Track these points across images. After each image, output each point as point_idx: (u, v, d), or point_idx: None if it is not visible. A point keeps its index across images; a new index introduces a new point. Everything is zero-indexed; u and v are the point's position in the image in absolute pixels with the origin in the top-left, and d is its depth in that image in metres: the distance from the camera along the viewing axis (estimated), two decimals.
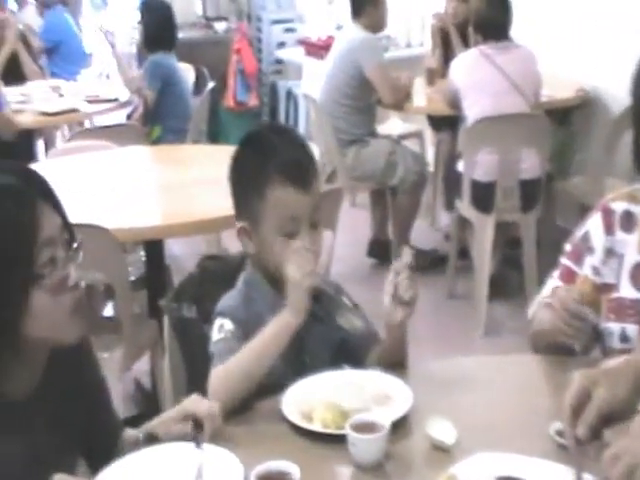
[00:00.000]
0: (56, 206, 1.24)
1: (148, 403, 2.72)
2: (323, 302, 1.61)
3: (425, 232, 4.49)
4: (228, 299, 1.58)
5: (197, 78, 4.98)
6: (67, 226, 1.25)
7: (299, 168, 1.54)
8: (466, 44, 4.29)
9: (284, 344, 1.46)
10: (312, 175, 1.56)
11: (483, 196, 3.55)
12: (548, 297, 1.70)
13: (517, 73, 3.58)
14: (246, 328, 1.52)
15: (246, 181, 1.56)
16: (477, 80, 3.62)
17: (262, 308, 1.56)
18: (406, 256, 1.49)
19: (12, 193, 1.18)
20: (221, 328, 1.52)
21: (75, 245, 1.24)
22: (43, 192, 1.23)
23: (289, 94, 6.55)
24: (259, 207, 1.53)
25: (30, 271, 1.17)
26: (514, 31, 3.73)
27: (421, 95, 4.29)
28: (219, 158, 3.23)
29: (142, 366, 2.77)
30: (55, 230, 1.21)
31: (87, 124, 4.85)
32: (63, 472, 1.35)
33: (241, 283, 1.61)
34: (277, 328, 1.46)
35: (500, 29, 3.66)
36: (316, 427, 1.38)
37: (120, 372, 2.43)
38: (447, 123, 4.35)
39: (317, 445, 1.36)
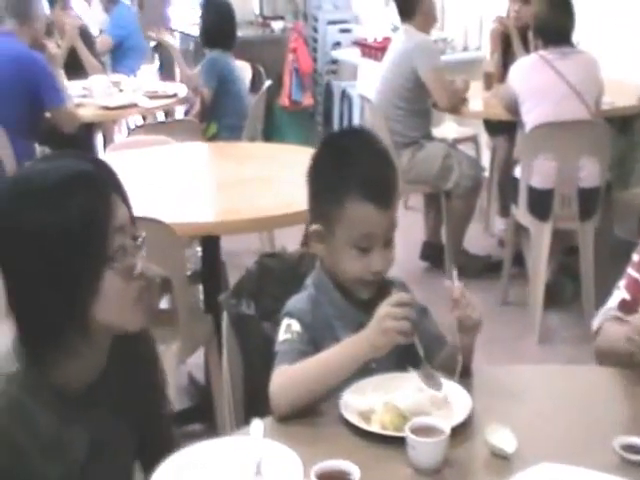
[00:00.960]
0: (124, 199, 1.28)
1: (201, 397, 2.75)
2: None
3: (478, 237, 4.45)
4: (297, 301, 1.57)
5: (253, 76, 5.01)
6: (133, 219, 1.28)
7: (382, 185, 1.52)
8: (527, 48, 4.24)
9: (354, 370, 1.43)
10: (394, 192, 1.53)
11: (540, 203, 3.50)
12: (614, 309, 1.67)
13: (578, 79, 3.52)
14: (313, 332, 1.52)
15: (325, 187, 1.54)
16: (536, 85, 3.57)
17: (330, 313, 1.56)
18: (456, 291, 1.49)
19: (88, 179, 1.22)
20: (288, 328, 1.52)
21: (140, 239, 1.27)
22: (114, 183, 1.27)
23: (344, 94, 6.55)
24: (336, 216, 1.51)
25: (103, 253, 1.21)
26: (576, 36, 3.67)
27: (478, 99, 4.25)
28: (275, 156, 3.31)
29: (195, 360, 2.80)
30: (125, 220, 1.25)
31: (156, 117, 4.92)
32: (123, 461, 1.38)
33: (310, 286, 1.60)
34: (351, 354, 1.42)
35: (562, 34, 3.60)
36: (374, 428, 1.38)
37: (176, 365, 2.46)
38: (504, 128, 4.30)
39: (375, 446, 1.36)
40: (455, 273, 1.53)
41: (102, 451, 1.31)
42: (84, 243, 1.19)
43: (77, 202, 1.19)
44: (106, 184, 1.24)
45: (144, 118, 5.01)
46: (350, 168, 1.52)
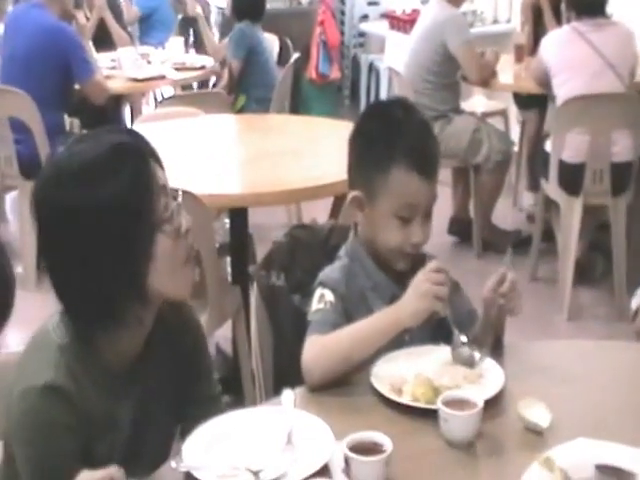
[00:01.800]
0: (160, 164, 1.30)
1: (228, 369, 2.76)
2: None
3: (507, 212, 4.41)
4: (331, 271, 1.56)
5: (281, 49, 4.98)
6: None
7: (427, 155, 1.53)
8: (559, 21, 4.16)
9: (390, 338, 1.43)
10: (437, 163, 1.55)
11: (571, 178, 3.45)
12: None
13: (612, 52, 3.45)
14: (346, 303, 1.51)
15: (370, 154, 1.54)
16: (569, 58, 3.51)
17: (364, 284, 1.55)
18: (508, 282, 1.48)
19: (127, 148, 1.25)
20: (321, 298, 1.52)
21: (179, 198, 1.29)
22: (149, 150, 1.29)
23: (371, 67, 6.50)
24: (379, 183, 1.51)
25: (153, 217, 1.23)
26: (610, 6, 3.59)
27: (508, 72, 4.19)
28: (303, 129, 3.29)
29: (222, 332, 2.81)
30: (165, 180, 1.28)
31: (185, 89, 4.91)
32: (165, 433, 1.39)
33: (344, 256, 1.59)
34: (387, 323, 1.43)
35: (595, 5, 3.53)
36: (406, 400, 1.37)
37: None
38: (534, 102, 4.25)
39: (406, 418, 1.35)
40: (509, 258, 1.51)
41: (144, 424, 1.33)
42: (136, 210, 1.22)
43: (123, 171, 1.21)
44: (144, 151, 1.26)
45: (183, 88, 4.98)
46: (397, 137, 1.52)
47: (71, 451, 1.22)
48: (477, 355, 1.45)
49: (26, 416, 1.20)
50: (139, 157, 1.24)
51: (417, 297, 1.41)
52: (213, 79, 5.03)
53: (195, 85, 5.22)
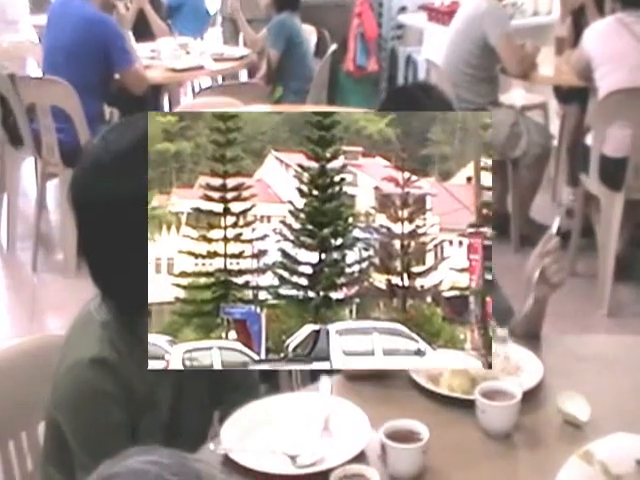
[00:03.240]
0: None
1: None
2: None
3: (545, 206, 4.35)
4: None
5: (318, 40, 4.98)
6: None
7: None
8: (601, 12, 4.09)
9: None
10: None
11: (613, 172, 3.39)
12: None
13: None
14: None
15: None
16: (613, 50, 3.44)
17: None
18: (553, 242, 1.48)
19: None
20: None
21: None
22: None
23: (409, 60, 6.46)
24: None
25: None
26: None
27: (548, 65, 4.14)
28: None
29: None
30: None
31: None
32: (202, 418, 1.40)
33: None
34: None
35: None
36: (443, 390, 1.37)
37: None
38: (575, 95, 4.18)
39: (443, 408, 1.35)
40: (557, 224, 1.52)
41: (182, 407, 1.35)
42: None
43: None
44: None
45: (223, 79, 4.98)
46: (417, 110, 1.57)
47: (119, 423, 1.24)
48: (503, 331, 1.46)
49: (75, 388, 1.22)
50: None
51: None
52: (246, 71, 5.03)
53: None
